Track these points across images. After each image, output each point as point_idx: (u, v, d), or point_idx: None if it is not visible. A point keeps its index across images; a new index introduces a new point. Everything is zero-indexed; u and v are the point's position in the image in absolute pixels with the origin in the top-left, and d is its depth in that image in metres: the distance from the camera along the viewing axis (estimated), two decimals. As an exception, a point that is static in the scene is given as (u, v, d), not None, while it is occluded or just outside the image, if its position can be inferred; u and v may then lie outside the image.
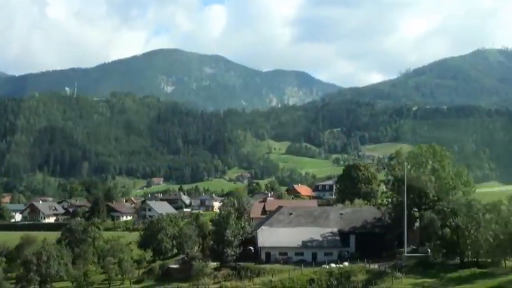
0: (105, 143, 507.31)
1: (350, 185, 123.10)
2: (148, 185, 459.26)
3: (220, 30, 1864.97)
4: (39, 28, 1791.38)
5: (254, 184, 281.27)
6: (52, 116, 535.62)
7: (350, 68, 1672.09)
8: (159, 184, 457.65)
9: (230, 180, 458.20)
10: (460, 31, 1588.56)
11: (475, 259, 76.42)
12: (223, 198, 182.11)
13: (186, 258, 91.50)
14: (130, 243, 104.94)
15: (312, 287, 79.05)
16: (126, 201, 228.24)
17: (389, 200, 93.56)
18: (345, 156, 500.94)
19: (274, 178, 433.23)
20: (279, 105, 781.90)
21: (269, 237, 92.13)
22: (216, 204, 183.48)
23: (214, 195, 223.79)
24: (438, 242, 76.89)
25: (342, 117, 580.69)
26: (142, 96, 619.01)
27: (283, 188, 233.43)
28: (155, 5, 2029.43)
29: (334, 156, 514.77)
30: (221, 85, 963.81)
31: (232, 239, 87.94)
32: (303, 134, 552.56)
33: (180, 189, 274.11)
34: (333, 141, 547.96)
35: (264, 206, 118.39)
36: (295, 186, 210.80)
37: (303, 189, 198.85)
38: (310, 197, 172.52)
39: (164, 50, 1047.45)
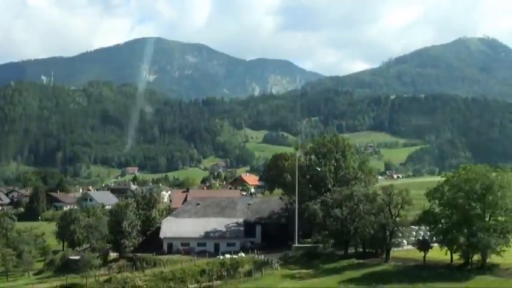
0: (81, 132, 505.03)
1: (276, 175, 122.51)
2: (123, 174, 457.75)
3: (204, 19, 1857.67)
4: (20, 17, 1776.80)
5: (215, 173, 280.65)
6: (28, 105, 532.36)
7: (334, 57, 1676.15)
8: (134, 173, 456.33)
9: (205, 169, 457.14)
10: (445, 20, 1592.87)
11: (361, 250, 76.61)
12: (173, 188, 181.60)
13: (87, 249, 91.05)
14: (43, 234, 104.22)
15: (203, 277, 79.13)
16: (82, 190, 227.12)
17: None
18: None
19: (249, 167, 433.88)
20: (262, 94, 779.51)
21: (172, 227, 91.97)
22: (164, 194, 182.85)
23: (161, 184, 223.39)
24: (326, 232, 77.08)
25: (320, 106, 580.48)
26: (120, 85, 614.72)
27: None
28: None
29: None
30: (204, 74, 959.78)
31: (130, 229, 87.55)
32: (281, 122, 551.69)
33: (134, 179, 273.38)
34: (310, 130, 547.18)
35: (186, 196, 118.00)
36: (243, 175, 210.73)
37: (250, 179, 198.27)
38: (255, 186, 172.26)
39: (147, 38, 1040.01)
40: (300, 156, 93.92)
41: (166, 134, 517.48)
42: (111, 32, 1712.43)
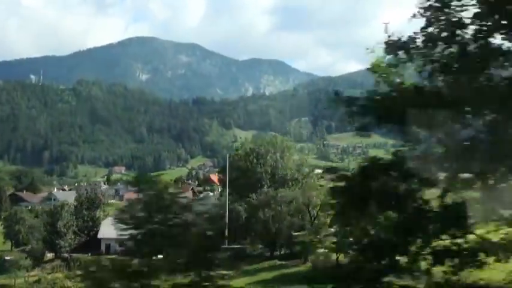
0: (69, 132, 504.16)
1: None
2: (110, 174, 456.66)
3: (198, 19, 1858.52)
4: (13, 15, 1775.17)
5: (193, 173, 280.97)
6: (16, 104, 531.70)
7: (328, 57, 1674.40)
8: (121, 173, 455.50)
9: (192, 169, 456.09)
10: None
11: (289, 251, 76.33)
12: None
13: (25, 250, 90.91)
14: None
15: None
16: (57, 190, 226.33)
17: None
18: (309, 145, 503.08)
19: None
20: (252, 95, 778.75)
21: (110, 228, 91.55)
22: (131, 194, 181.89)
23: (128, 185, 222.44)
24: (253, 234, 76.99)
25: (311, 106, 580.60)
26: (109, 84, 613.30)
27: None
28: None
29: (299, 145, 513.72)
30: (197, 74, 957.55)
31: (66, 230, 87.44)
32: (270, 123, 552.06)
33: (108, 179, 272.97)
34: (299, 131, 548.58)
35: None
36: (211, 175, 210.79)
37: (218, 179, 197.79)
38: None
39: (140, 38, 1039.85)
40: (239, 156, 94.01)
41: (154, 133, 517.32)
42: (104, 31, 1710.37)
